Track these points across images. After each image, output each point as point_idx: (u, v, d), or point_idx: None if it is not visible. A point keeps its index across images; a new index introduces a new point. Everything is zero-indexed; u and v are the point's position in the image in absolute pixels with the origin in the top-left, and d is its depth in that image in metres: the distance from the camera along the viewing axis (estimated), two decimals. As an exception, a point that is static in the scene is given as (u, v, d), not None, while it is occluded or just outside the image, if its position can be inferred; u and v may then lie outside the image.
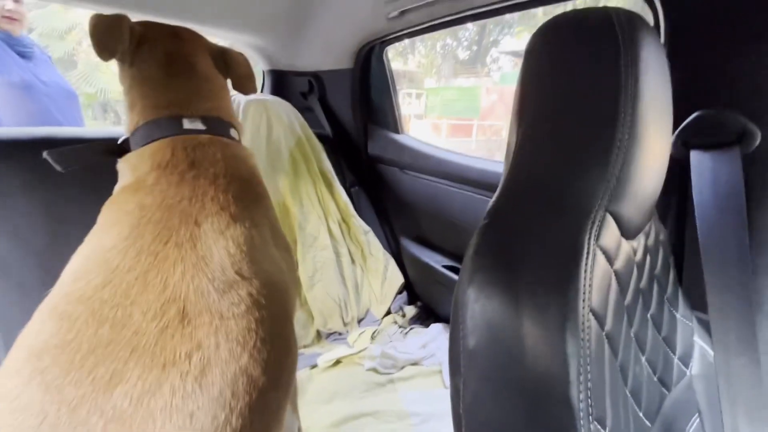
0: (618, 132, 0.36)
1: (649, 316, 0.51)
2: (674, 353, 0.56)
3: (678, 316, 0.58)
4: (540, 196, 0.39)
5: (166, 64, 0.61)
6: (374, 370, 1.07)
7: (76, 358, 0.37)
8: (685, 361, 0.57)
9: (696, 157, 0.59)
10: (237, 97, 1.21)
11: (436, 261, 1.26)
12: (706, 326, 0.59)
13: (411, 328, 1.26)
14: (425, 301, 1.39)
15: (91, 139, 0.93)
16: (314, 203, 1.30)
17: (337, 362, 1.12)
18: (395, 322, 1.31)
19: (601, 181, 0.37)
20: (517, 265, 0.36)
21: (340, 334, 1.25)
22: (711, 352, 0.58)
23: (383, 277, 1.37)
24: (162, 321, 0.40)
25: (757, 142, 0.56)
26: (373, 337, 1.22)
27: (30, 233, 0.80)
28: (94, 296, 0.41)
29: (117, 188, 0.57)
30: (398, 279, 1.39)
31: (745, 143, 0.56)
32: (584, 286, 0.33)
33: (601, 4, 0.43)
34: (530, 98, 0.43)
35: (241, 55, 0.74)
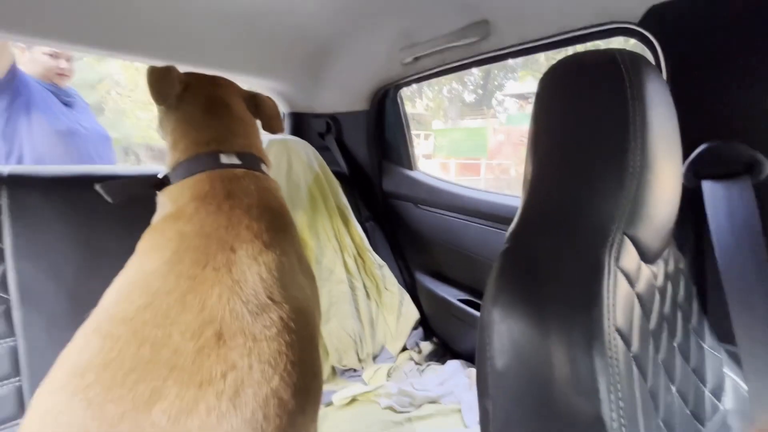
0: (630, 159, 0.38)
1: (675, 344, 0.51)
2: (705, 386, 0.54)
3: (705, 347, 0.57)
4: (558, 220, 0.41)
5: (206, 107, 0.67)
6: (391, 408, 1.04)
7: (118, 375, 0.38)
8: (718, 394, 0.55)
9: (708, 187, 0.60)
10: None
11: (452, 295, 1.25)
12: (736, 358, 0.58)
13: (428, 365, 1.23)
14: (441, 337, 1.36)
15: (124, 176, 0.99)
16: (330, 237, 1.33)
17: (353, 400, 1.09)
18: (411, 359, 1.28)
19: (617, 204, 0.38)
20: (540, 286, 0.37)
21: (355, 370, 1.23)
22: (744, 386, 0.56)
23: (398, 312, 1.36)
24: (199, 341, 0.41)
25: (767, 172, 0.58)
26: (389, 374, 1.19)
27: (63, 265, 0.83)
28: (136, 317, 0.43)
29: (156, 218, 0.61)
30: (414, 314, 1.37)
31: (755, 173, 0.58)
32: (608, 305, 0.34)
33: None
34: (543, 132, 0.46)
35: (270, 98, 0.80)
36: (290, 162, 1.29)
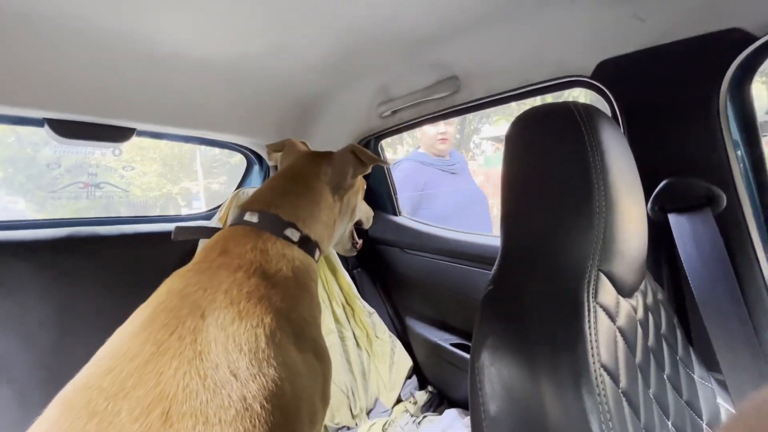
0: (595, 200, 0.41)
1: (665, 377, 0.51)
2: (701, 419, 0.54)
3: (695, 377, 0.58)
4: (536, 261, 0.43)
5: (277, 173, 0.71)
6: (388, 467, 0.98)
7: None
8: (714, 426, 0.55)
9: (674, 220, 0.64)
10: (246, 189, 1.30)
11: (444, 339, 1.23)
12: (726, 387, 0.58)
13: (424, 417, 1.18)
14: (436, 385, 1.32)
15: (104, 236, 0.96)
16: (318, 287, 1.31)
17: (348, 461, 1.02)
18: (407, 411, 1.23)
19: (588, 243, 0.41)
20: (525, 327, 0.38)
21: (348, 428, 1.17)
22: (737, 414, 0.56)
23: (391, 360, 1.32)
24: (144, 423, 0.37)
25: (725, 203, 0.62)
26: (384, 430, 1.13)
27: (39, 332, 0.79)
28: (95, 384, 0.40)
29: None
30: (406, 362, 1.34)
31: (714, 205, 0.62)
32: (591, 342, 0.35)
33: (563, 99, 0.52)
34: (514, 178, 0.49)
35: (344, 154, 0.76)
36: (276, 213, 1.30)
